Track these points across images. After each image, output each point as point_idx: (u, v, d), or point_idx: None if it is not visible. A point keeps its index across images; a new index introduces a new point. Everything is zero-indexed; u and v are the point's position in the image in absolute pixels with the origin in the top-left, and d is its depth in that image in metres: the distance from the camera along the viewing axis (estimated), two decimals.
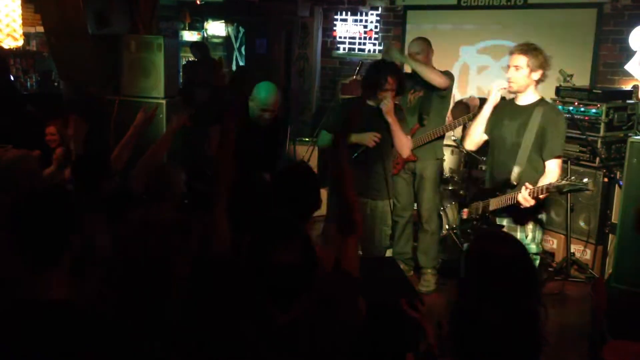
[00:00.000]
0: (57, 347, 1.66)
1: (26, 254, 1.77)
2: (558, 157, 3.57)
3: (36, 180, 3.12)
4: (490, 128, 3.77)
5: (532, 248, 3.66)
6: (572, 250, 5.20)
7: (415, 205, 5.05)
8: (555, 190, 3.29)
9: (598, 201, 5.13)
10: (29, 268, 1.76)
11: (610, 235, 4.96)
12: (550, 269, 5.17)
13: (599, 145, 5.10)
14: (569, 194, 5.10)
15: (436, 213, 5.04)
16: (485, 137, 3.83)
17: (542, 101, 3.65)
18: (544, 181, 3.46)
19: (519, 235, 3.60)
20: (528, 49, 3.58)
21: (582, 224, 5.25)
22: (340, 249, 2.08)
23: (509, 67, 3.62)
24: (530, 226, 3.65)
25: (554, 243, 5.44)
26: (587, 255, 5.23)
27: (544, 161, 3.57)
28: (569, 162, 5.13)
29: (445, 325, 2.13)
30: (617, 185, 4.91)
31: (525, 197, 3.41)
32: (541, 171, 3.56)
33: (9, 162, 3.09)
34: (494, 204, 3.66)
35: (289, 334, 1.77)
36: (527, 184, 3.43)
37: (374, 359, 2.55)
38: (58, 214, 1.79)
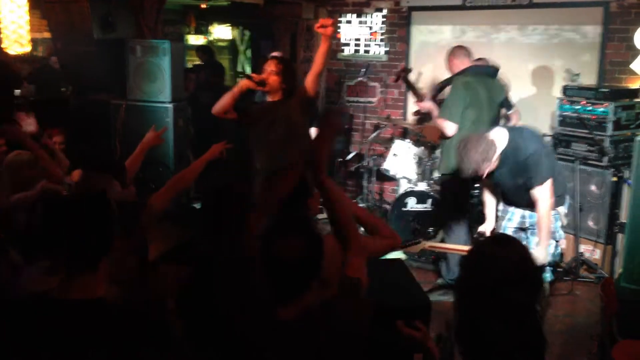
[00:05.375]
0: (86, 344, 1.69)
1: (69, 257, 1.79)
2: (546, 180, 3.66)
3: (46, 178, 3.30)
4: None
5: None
6: (581, 250, 5.17)
7: None
8: None
9: (607, 201, 5.10)
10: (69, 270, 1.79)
11: (619, 235, 4.93)
12: (559, 269, 5.15)
13: (606, 144, 5.07)
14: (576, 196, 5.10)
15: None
16: None
17: (512, 140, 3.71)
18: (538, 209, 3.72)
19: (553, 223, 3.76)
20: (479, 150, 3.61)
21: (591, 223, 5.22)
22: (345, 262, 2.08)
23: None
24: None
25: (562, 243, 5.41)
26: (597, 255, 5.20)
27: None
28: (577, 161, 5.12)
29: (445, 337, 2.12)
30: (625, 185, 4.88)
31: None
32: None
33: (23, 162, 3.28)
34: None
35: (291, 331, 1.79)
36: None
37: (382, 358, 2.54)
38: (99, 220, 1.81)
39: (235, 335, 1.86)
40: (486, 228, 4.09)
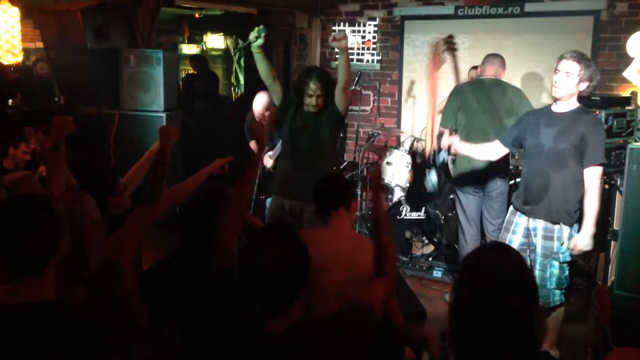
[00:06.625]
0: (42, 348, 1.69)
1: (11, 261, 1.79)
2: (599, 164, 3.52)
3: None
4: (526, 136, 3.73)
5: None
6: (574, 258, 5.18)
7: None
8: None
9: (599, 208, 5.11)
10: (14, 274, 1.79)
11: (612, 242, 4.94)
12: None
13: None
14: None
15: None
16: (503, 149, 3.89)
17: (582, 109, 3.61)
18: (587, 192, 3.50)
19: (555, 244, 3.63)
20: (582, 58, 3.52)
21: None
22: (370, 285, 2.12)
23: (557, 71, 3.56)
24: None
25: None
26: (590, 262, 5.21)
27: (583, 169, 3.53)
28: None
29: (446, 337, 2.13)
30: (617, 192, 4.90)
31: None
32: (578, 179, 3.55)
33: (13, 181, 3.21)
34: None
35: (280, 344, 1.77)
36: None
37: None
38: (42, 222, 1.81)
39: (222, 349, 1.83)
40: (454, 141, 3.89)
